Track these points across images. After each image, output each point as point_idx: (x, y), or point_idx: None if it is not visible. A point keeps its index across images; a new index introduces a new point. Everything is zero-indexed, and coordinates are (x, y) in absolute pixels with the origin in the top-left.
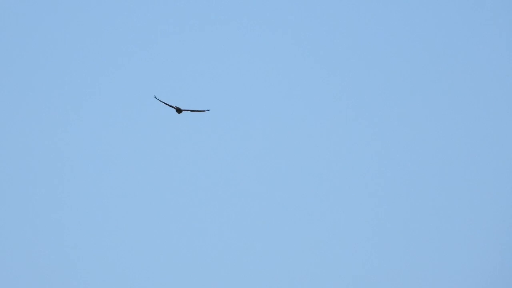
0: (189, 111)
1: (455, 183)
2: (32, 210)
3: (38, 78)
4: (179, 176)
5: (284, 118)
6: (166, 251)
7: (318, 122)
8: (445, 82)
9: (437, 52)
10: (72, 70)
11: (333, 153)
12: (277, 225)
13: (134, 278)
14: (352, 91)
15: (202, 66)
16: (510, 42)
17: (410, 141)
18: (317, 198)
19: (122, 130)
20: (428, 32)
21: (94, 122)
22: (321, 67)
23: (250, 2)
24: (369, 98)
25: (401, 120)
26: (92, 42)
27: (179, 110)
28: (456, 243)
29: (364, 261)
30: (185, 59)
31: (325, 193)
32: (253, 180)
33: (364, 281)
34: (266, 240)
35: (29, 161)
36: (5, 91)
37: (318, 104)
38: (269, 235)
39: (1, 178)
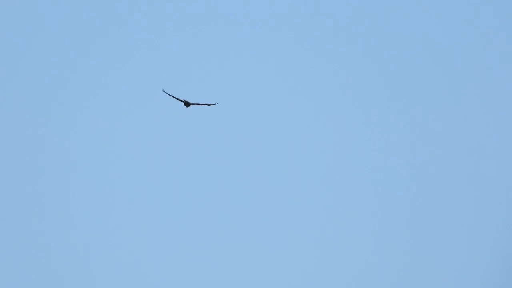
0: (198, 105)
1: (458, 183)
2: (40, 209)
3: (50, 71)
4: (188, 170)
5: (293, 113)
6: (177, 247)
7: (326, 119)
8: (449, 79)
9: (444, 48)
10: (81, 64)
11: (341, 151)
12: (287, 221)
13: (144, 276)
14: (359, 88)
15: (210, 61)
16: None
17: (414, 140)
18: (324, 196)
19: (131, 124)
20: (432, 28)
21: (102, 116)
22: (329, 63)
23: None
24: (375, 96)
25: (405, 120)
26: (100, 35)
27: (187, 104)
28: (457, 243)
29: (366, 261)
30: (193, 54)
31: (331, 192)
32: (260, 175)
33: (366, 282)
34: (277, 237)
35: (39, 158)
36: (10, 91)
37: (326, 100)
38: (280, 231)
39: (7, 178)
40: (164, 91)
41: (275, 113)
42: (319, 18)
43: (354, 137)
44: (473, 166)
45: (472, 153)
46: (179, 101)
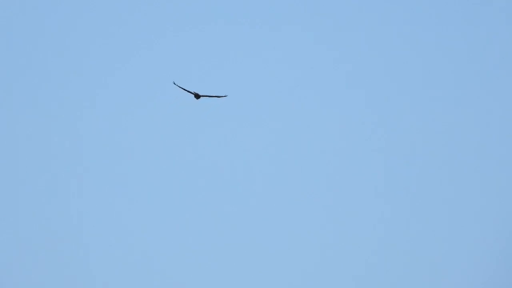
0: (207, 97)
1: (459, 183)
2: (41, 209)
3: (51, 71)
4: (189, 169)
5: (293, 113)
6: (178, 247)
7: (328, 119)
8: (450, 79)
9: (445, 48)
10: (81, 64)
11: (344, 150)
12: (288, 221)
13: (145, 275)
14: (360, 89)
15: (210, 61)
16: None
17: (416, 139)
18: (326, 195)
19: (131, 123)
20: (432, 28)
21: (102, 116)
22: (330, 63)
23: None
24: (377, 97)
25: (409, 119)
26: (100, 35)
27: (197, 96)
28: (458, 243)
29: (367, 261)
30: (193, 54)
31: (333, 191)
32: (261, 174)
33: (367, 282)
34: (277, 237)
35: (40, 158)
36: (11, 91)
37: (327, 101)
38: (281, 231)
39: (8, 177)
40: (174, 83)
41: (276, 114)
42: (320, 18)
43: (357, 137)
44: (475, 166)
45: (474, 153)
46: (189, 93)
